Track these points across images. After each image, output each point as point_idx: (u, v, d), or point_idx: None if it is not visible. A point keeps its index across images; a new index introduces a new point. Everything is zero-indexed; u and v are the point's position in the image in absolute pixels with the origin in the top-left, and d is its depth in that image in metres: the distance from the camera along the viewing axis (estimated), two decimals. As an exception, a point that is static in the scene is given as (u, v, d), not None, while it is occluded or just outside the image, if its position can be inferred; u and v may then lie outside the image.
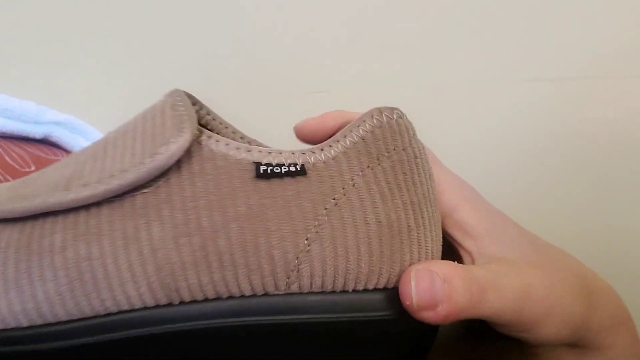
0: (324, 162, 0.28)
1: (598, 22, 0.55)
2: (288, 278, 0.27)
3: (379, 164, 0.29)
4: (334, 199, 0.28)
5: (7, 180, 0.44)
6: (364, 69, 0.58)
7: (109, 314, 0.27)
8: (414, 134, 0.30)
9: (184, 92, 0.31)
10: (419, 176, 0.30)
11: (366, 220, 0.28)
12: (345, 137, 0.29)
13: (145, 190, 0.27)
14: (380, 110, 0.29)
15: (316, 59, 0.57)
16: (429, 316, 0.27)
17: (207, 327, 0.27)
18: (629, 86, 0.56)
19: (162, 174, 0.27)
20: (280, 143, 0.32)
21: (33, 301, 0.26)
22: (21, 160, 0.49)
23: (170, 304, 0.27)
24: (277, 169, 0.28)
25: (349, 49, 0.57)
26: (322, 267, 0.27)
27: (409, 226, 0.29)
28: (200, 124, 0.30)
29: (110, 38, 0.56)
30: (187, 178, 0.27)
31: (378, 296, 0.28)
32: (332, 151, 0.29)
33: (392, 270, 0.28)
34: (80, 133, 0.56)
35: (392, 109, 0.30)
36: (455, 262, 0.29)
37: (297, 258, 0.27)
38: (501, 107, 0.58)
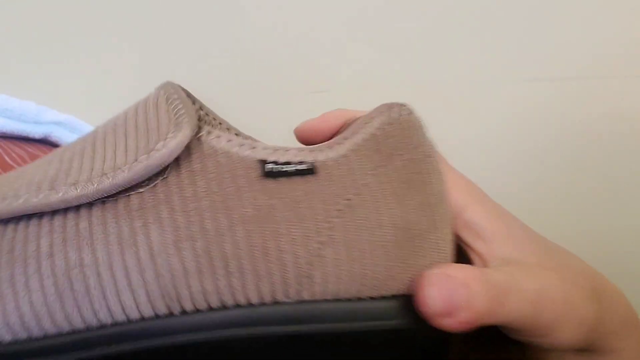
0: (334, 161, 0.25)
1: (598, 22, 0.53)
2: (299, 285, 0.24)
3: (391, 163, 0.26)
4: (346, 199, 0.24)
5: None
6: (364, 69, 0.56)
7: (102, 327, 0.23)
8: (425, 131, 0.28)
9: (177, 84, 0.27)
10: (431, 176, 0.27)
11: (381, 223, 0.25)
12: (354, 134, 0.26)
13: (140, 190, 0.23)
14: (389, 106, 0.27)
15: (316, 59, 0.56)
16: (448, 323, 0.24)
17: (211, 339, 0.24)
18: (629, 86, 0.54)
19: (159, 173, 0.24)
20: (280, 143, 0.30)
21: (17, 313, 0.22)
22: (21, 160, 0.47)
23: (170, 314, 0.23)
24: (284, 168, 0.24)
25: (349, 49, 0.55)
26: (336, 272, 0.24)
27: (424, 228, 0.25)
28: None
29: (110, 38, 0.54)
30: (187, 177, 0.24)
31: (394, 303, 0.25)
32: (342, 149, 0.25)
33: (408, 276, 0.25)
34: (80, 133, 0.54)
35: (402, 105, 0.27)
36: (471, 265, 0.26)
37: (309, 263, 0.23)
38: (501, 107, 0.56)
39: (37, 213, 0.23)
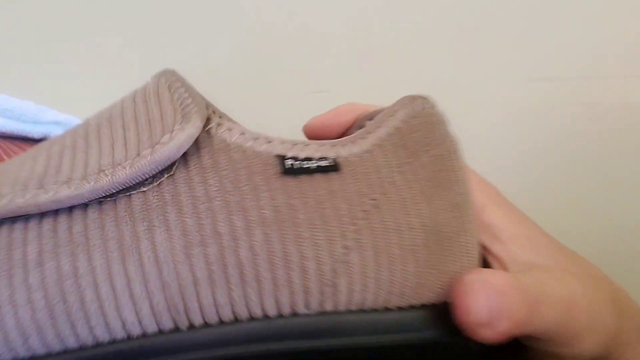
0: (358, 157, 0.21)
1: (598, 22, 0.50)
2: (322, 294, 0.20)
3: (417, 159, 0.22)
4: (372, 199, 0.20)
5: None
6: (364, 69, 0.53)
7: (98, 345, 0.19)
8: (448, 126, 0.24)
9: (176, 72, 0.24)
10: (457, 173, 0.23)
11: (410, 224, 0.21)
12: (378, 127, 0.22)
13: (143, 189, 0.19)
14: (412, 98, 0.23)
15: (316, 59, 0.52)
16: (487, 334, 0.20)
17: (223, 357, 0.19)
18: (629, 86, 0.51)
19: (165, 169, 0.19)
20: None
21: (1, 331, 0.18)
22: (21, 160, 0.44)
23: (176, 330, 0.19)
24: (305, 164, 0.20)
25: (349, 49, 0.52)
26: (362, 280, 0.20)
27: (454, 230, 0.22)
28: None
29: (110, 38, 0.51)
30: (196, 174, 0.20)
31: (425, 313, 0.21)
32: (366, 143, 0.21)
33: (441, 283, 0.21)
34: (80, 133, 0.50)
35: (424, 98, 0.23)
36: (502, 271, 0.23)
37: (334, 270, 0.19)
38: (501, 107, 0.53)
39: (22, 215, 0.19)
